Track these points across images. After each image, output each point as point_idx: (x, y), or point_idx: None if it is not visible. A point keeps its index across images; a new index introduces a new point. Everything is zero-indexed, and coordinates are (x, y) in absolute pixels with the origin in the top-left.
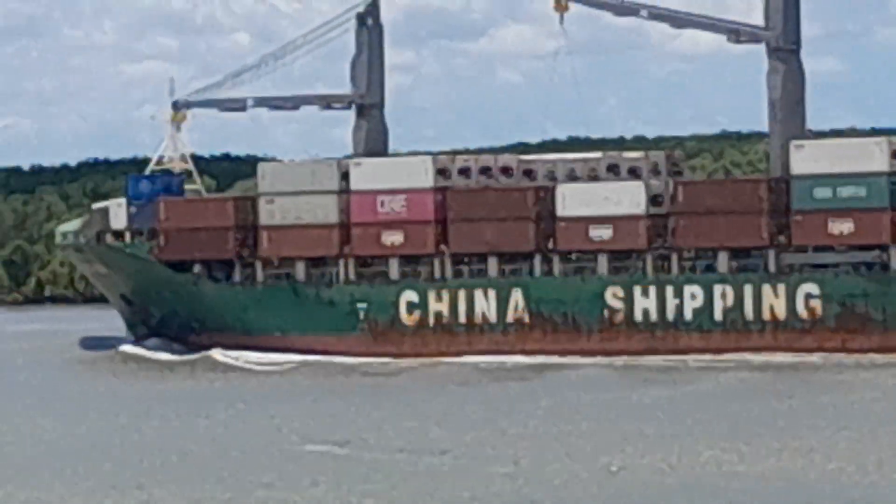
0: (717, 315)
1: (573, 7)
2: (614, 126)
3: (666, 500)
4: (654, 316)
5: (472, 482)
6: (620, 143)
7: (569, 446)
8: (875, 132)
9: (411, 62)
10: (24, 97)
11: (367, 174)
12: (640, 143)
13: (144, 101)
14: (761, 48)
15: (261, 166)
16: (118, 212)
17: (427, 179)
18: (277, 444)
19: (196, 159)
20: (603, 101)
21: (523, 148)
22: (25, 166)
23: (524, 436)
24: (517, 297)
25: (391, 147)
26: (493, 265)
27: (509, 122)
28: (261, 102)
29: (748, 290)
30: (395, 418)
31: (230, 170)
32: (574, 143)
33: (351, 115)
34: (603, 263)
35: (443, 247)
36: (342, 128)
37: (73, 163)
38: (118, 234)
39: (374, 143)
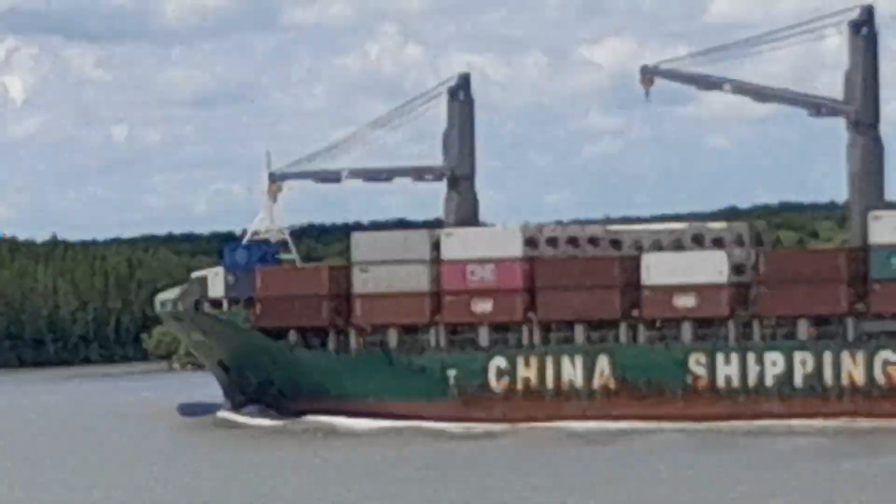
0: (798, 381)
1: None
2: (824, 191)
3: None
4: (736, 382)
5: None
6: (835, 209)
7: None
8: None
9: (621, 127)
10: (233, 162)
11: (458, 244)
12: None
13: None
14: (841, 121)
15: (354, 236)
16: (216, 280)
17: (516, 249)
18: None
19: (291, 230)
20: (815, 166)
21: (733, 213)
22: (238, 232)
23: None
24: (603, 363)
25: (608, 212)
26: (580, 332)
27: (719, 186)
28: (355, 174)
29: (828, 356)
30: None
31: (323, 239)
32: (786, 209)
33: (442, 186)
34: (687, 331)
35: (531, 314)
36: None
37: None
38: (216, 303)
39: (465, 213)
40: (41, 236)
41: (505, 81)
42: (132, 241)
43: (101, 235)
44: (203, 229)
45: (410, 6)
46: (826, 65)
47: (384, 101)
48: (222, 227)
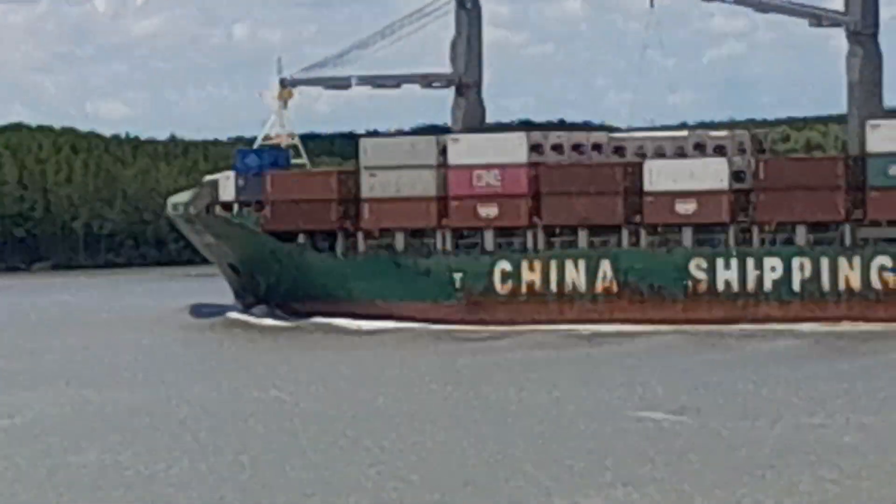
0: (796, 286)
1: None
2: None
3: None
4: (735, 286)
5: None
6: None
7: None
8: None
9: (744, 29)
10: (359, 62)
11: (464, 150)
12: None
13: None
14: (841, 31)
15: (363, 141)
16: (227, 184)
17: (521, 155)
18: (607, 412)
19: (301, 136)
20: None
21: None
22: (360, 130)
23: (806, 399)
24: (605, 267)
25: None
26: (583, 237)
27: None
28: (364, 81)
29: (825, 262)
30: (666, 383)
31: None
32: None
33: (450, 93)
34: (687, 236)
35: (535, 219)
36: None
37: (406, 128)
38: (227, 206)
39: (472, 120)
40: (161, 135)
41: None
42: (253, 141)
43: (222, 135)
44: (326, 129)
45: None
46: None
47: (505, 2)
48: (345, 128)
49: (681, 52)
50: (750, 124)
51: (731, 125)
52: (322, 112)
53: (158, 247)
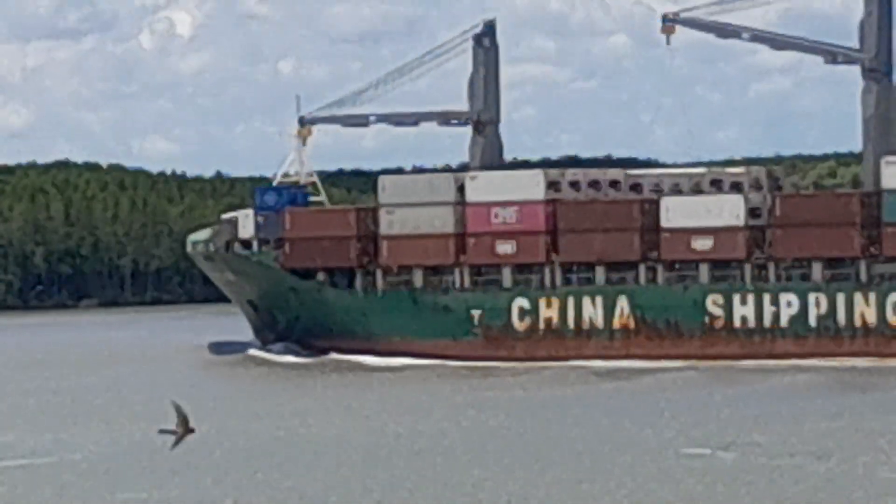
0: (812, 321)
1: (679, 30)
2: None
3: None
4: (751, 322)
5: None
6: None
7: None
8: None
9: (791, 64)
10: (400, 99)
11: (482, 187)
12: None
13: (523, 102)
14: (856, 69)
15: (381, 179)
16: (246, 222)
17: (539, 192)
18: (653, 448)
19: (320, 174)
20: None
21: None
22: (408, 167)
23: (847, 435)
24: (623, 304)
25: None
26: (600, 273)
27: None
28: (382, 119)
29: (841, 298)
30: (700, 419)
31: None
32: None
33: (468, 130)
34: (704, 272)
35: (553, 256)
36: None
37: (454, 164)
38: (246, 243)
39: (490, 157)
40: (207, 172)
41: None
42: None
43: (268, 172)
44: (373, 166)
45: None
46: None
47: (551, 39)
48: (391, 164)
49: (727, 87)
50: (797, 160)
51: (777, 160)
52: (368, 148)
53: (205, 284)
